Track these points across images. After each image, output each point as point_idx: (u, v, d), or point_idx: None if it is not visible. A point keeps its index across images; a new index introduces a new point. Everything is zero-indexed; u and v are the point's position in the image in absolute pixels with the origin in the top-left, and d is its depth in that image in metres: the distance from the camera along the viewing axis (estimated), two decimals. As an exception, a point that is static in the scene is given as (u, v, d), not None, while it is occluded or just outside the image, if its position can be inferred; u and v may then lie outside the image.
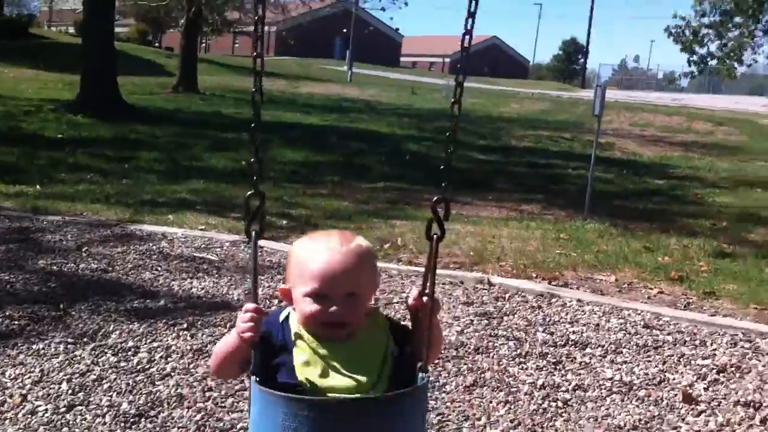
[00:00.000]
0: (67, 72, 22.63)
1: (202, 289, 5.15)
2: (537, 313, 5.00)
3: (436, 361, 3.95)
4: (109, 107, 15.56)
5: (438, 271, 6.08)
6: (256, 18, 2.07)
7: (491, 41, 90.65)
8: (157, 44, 52.22)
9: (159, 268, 5.56)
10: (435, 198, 2.01)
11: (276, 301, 4.69)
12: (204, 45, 51.48)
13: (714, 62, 17.83)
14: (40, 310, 4.54)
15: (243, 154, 12.73)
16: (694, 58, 17.79)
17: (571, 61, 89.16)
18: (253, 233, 2.01)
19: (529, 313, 5.00)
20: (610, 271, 6.09)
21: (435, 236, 2.02)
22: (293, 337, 1.94)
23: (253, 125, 2.08)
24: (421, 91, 31.59)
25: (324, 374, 1.88)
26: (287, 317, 1.99)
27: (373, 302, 2.07)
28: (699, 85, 59.17)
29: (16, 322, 4.33)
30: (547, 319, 4.89)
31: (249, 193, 2.01)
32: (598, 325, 4.83)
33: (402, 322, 2.05)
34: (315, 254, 1.96)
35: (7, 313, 4.44)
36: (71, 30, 48.17)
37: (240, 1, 31.00)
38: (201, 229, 6.90)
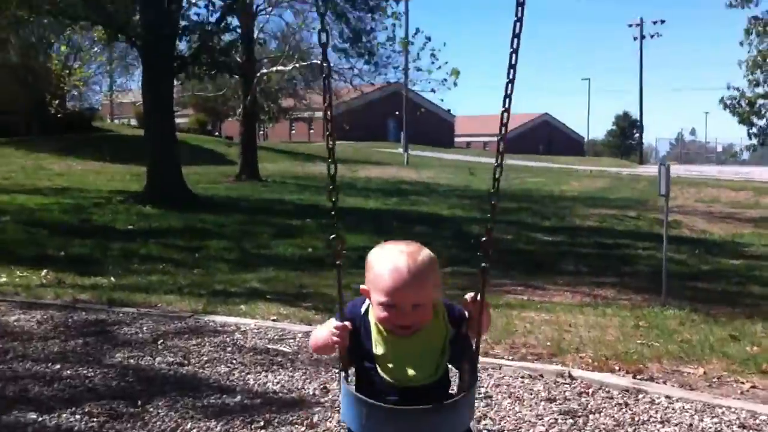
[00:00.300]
0: (132, 163, 23.37)
1: (278, 383, 5.08)
2: (624, 411, 4.78)
3: None
4: (175, 197, 15.94)
5: (515, 364, 5.92)
6: (325, 104, 2.49)
7: (543, 118, 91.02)
8: (216, 133, 53.70)
9: (234, 362, 5.52)
10: (483, 239, 2.46)
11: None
12: (262, 132, 52.75)
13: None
14: (119, 406, 4.52)
15: (308, 240, 12.84)
16: (754, 130, 17.49)
17: (626, 136, 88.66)
18: (338, 266, 2.49)
19: (615, 411, 4.78)
20: (697, 363, 5.82)
21: (483, 267, 2.44)
22: (372, 330, 2.39)
23: (330, 176, 2.45)
24: (479, 171, 31.64)
25: (396, 366, 2.37)
26: (367, 310, 2.43)
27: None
28: (762, 156, 58.14)
29: (95, 419, 4.30)
30: (636, 419, 4.66)
31: (332, 236, 2.48)
32: (691, 425, 4.58)
33: (458, 307, 2.46)
34: (386, 270, 2.33)
35: (86, 410, 4.43)
36: (133, 122, 49.95)
37: (293, 89, 31.82)
38: (273, 320, 6.87)
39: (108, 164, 25.79)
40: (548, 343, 6.27)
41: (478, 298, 2.39)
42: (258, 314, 7.10)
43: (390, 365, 2.37)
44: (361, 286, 2.44)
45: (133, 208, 15.26)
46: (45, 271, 9.02)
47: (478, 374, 2.51)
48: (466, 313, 2.43)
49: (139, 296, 7.74)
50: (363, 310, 2.44)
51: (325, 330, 2.43)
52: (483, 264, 2.42)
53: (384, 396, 2.34)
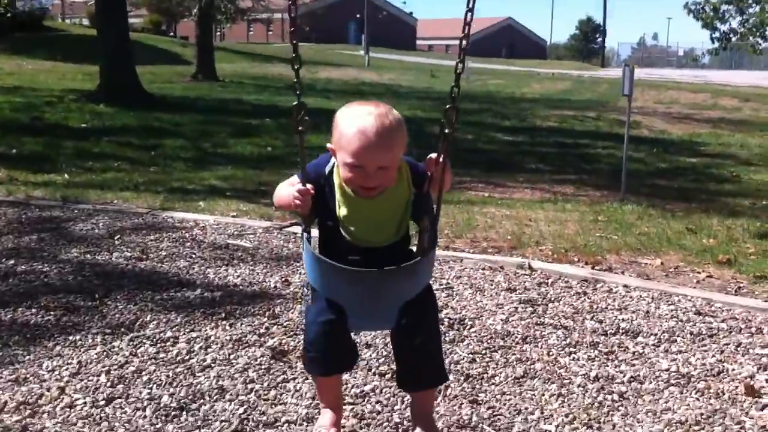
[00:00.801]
0: (84, 63, 22.67)
1: (238, 276, 5.03)
2: (583, 300, 4.84)
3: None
4: (130, 96, 15.54)
5: (476, 257, 5.88)
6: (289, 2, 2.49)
7: (507, 22, 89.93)
8: (171, 34, 52.14)
9: (193, 256, 5.45)
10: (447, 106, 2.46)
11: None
12: (219, 33, 51.31)
13: (736, 38, 17.49)
14: (76, 300, 4.44)
15: (267, 139, 12.65)
16: (716, 34, 17.44)
17: (588, 41, 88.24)
18: (300, 129, 2.49)
19: (574, 300, 4.84)
20: (655, 254, 5.90)
21: (447, 131, 2.45)
22: (336, 191, 2.44)
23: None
24: (441, 74, 31.29)
25: (358, 227, 2.42)
26: (332, 170, 2.47)
27: None
28: (721, 61, 58.24)
29: (51, 313, 4.22)
30: (594, 306, 4.73)
31: (294, 104, 2.47)
32: (648, 312, 4.65)
33: (421, 166, 2.51)
34: (354, 131, 2.34)
35: (42, 304, 4.34)
36: (85, 22, 48.30)
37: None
38: (233, 216, 6.78)
39: (60, 63, 24.98)
40: (509, 237, 6.29)
41: (441, 159, 2.44)
42: (217, 211, 7.00)
43: (352, 227, 2.41)
44: (328, 144, 2.46)
45: (86, 107, 14.84)
46: (-3, 168, 8.76)
47: (438, 242, 2.58)
48: (429, 174, 2.48)
49: (93, 193, 7.56)
50: (327, 170, 2.46)
51: (288, 190, 2.44)
52: (446, 129, 2.44)
53: (346, 256, 2.39)
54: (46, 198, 7.32)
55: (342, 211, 2.42)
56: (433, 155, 2.47)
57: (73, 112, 14.32)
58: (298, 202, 2.38)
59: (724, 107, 21.85)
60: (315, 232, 2.63)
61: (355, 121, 2.37)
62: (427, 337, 2.56)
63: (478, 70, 33.00)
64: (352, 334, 2.66)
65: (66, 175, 8.54)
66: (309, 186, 2.41)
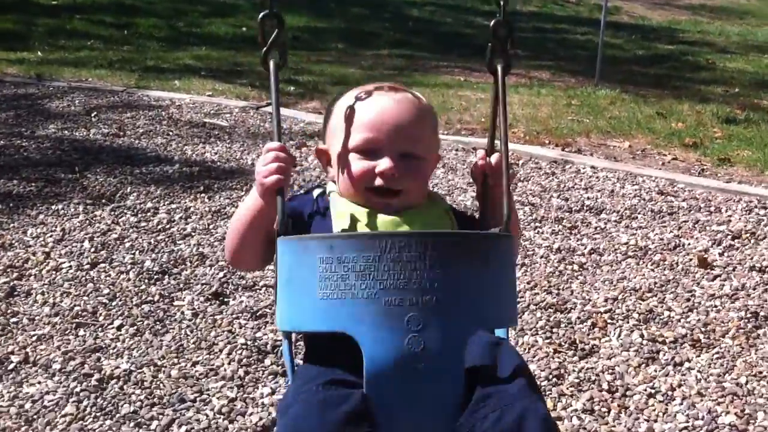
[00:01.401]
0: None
1: (216, 153, 5.12)
2: (551, 179, 5.00)
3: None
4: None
5: (449, 138, 6.01)
6: None
7: None
8: None
9: (170, 134, 5.51)
10: (493, 21, 1.71)
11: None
12: None
13: None
14: (56, 173, 4.53)
15: (242, 19, 12.43)
16: None
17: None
18: (271, 63, 1.68)
19: (543, 179, 5.00)
20: (624, 137, 6.04)
21: (500, 66, 1.71)
22: (335, 218, 1.62)
23: None
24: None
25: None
26: (322, 193, 1.70)
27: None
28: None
29: (33, 185, 4.32)
30: (562, 185, 4.89)
31: (263, 14, 1.67)
32: (612, 191, 4.83)
33: (467, 211, 1.86)
34: (366, 101, 1.65)
35: (23, 176, 4.44)
36: None
37: None
38: (208, 95, 6.80)
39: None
40: (482, 120, 6.38)
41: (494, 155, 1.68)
42: (193, 90, 7.00)
43: None
44: (318, 146, 1.79)
45: (56, -17, 14.41)
46: (-34, 45, 8.63)
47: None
48: (482, 174, 1.71)
49: (68, 71, 7.51)
50: (317, 193, 1.71)
51: (249, 195, 1.66)
52: (497, 63, 1.70)
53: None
54: (21, 75, 7.27)
55: (337, 227, 1.62)
56: (482, 151, 1.72)
57: (43, -11, 13.91)
58: (270, 167, 1.57)
59: (706, -6, 21.63)
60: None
61: (366, 92, 1.69)
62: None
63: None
64: None
65: (39, 53, 8.43)
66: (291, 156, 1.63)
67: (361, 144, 1.63)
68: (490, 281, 1.50)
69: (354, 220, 1.62)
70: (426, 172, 1.70)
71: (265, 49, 1.69)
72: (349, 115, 1.65)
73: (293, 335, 1.71)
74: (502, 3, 1.74)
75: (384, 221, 1.61)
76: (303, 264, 1.47)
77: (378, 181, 1.61)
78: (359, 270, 1.42)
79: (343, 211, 1.63)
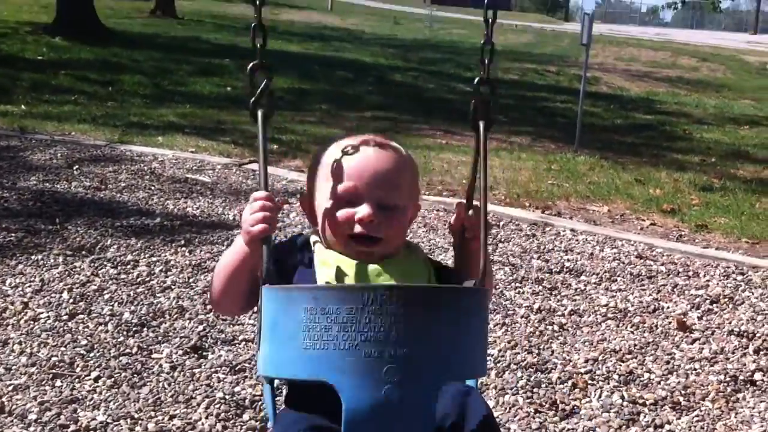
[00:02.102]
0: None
1: (197, 208, 5.12)
2: (531, 241, 5.04)
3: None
4: (87, 30, 15.22)
5: (430, 198, 6.05)
6: None
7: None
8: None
9: (152, 188, 5.52)
10: (477, 79, 1.76)
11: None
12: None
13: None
14: (36, 223, 4.51)
15: (227, 79, 12.57)
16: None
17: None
18: (260, 113, 1.69)
19: (523, 241, 5.03)
20: (603, 202, 6.12)
21: (481, 123, 1.73)
22: (315, 258, 1.69)
23: None
24: (404, 21, 31.13)
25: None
26: (306, 242, 1.75)
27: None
28: (683, 19, 58.80)
29: (13, 235, 4.30)
30: (542, 247, 4.93)
31: (252, 64, 1.70)
32: (592, 254, 4.87)
33: (442, 262, 1.88)
34: (349, 151, 1.69)
35: (3, 226, 4.41)
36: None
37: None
38: (191, 152, 6.83)
39: (13, -6, 24.23)
40: (463, 181, 6.41)
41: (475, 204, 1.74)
42: (176, 146, 7.03)
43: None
44: (301, 197, 1.84)
45: (43, 40, 14.53)
46: (-50, 97, 8.65)
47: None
48: (451, 264, 1.82)
49: (51, 125, 7.52)
50: (301, 242, 1.77)
51: (234, 244, 1.68)
52: (478, 120, 1.72)
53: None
54: (4, 128, 7.27)
55: (322, 276, 1.67)
56: (460, 205, 1.75)
57: (29, 44, 14.02)
58: (256, 215, 1.59)
59: (682, 66, 22.18)
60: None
61: (348, 142, 1.73)
62: None
63: (441, 18, 32.89)
64: None
65: (23, 106, 8.46)
66: (276, 200, 1.66)
67: (342, 193, 1.68)
68: (465, 334, 1.54)
69: (337, 269, 1.67)
70: (404, 221, 1.75)
71: (253, 99, 1.71)
72: (333, 166, 1.70)
73: (275, 381, 1.76)
74: (486, 62, 1.79)
75: (365, 270, 1.67)
76: (287, 313, 1.49)
77: (358, 228, 1.67)
78: (342, 321, 1.45)
79: (326, 259, 1.69)
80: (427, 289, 1.60)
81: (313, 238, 1.76)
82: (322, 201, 1.70)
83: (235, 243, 1.69)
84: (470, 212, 1.74)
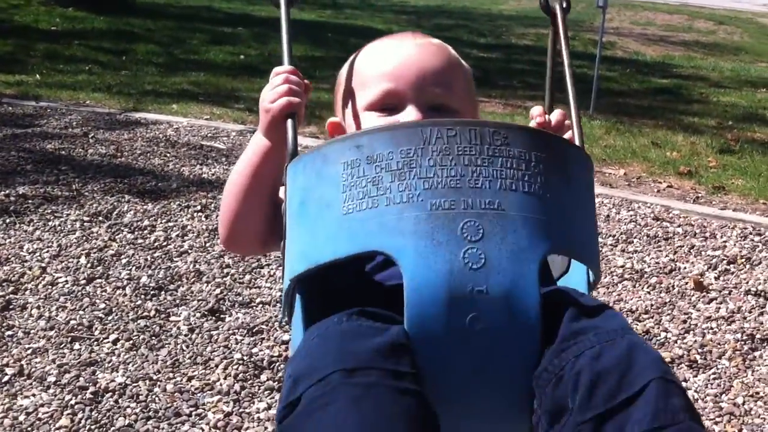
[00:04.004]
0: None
1: (213, 174, 5.13)
2: (547, 204, 5.01)
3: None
4: (100, 1, 15.19)
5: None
6: None
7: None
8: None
9: (168, 155, 5.52)
10: None
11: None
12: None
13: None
14: (53, 190, 4.53)
15: (240, 48, 12.53)
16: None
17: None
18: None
19: (539, 204, 5.01)
20: (619, 165, 6.08)
21: (560, 3, 1.53)
22: None
23: None
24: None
25: None
26: None
27: None
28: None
29: (30, 201, 4.32)
30: (558, 210, 4.90)
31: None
32: (608, 216, 4.85)
33: None
34: (384, 50, 1.42)
35: (20, 192, 4.43)
36: None
37: None
38: (206, 119, 6.82)
39: (25, -35, 24.19)
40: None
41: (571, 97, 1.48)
42: (190, 113, 7.02)
43: None
44: (330, 120, 1.57)
45: (55, 11, 14.51)
46: (-35, 67, 8.66)
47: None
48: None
49: (66, 94, 7.53)
50: None
51: (251, 142, 1.45)
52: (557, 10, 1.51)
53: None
54: (19, 96, 7.29)
55: None
56: (538, 108, 1.52)
57: (42, 15, 14.00)
58: (290, 86, 1.37)
59: (699, 30, 21.86)
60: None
61: (381, 43, 1.49)
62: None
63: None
64: None
65: (38, 76, 8.47)
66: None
67: (379, 99, 1.36)
68: (572, 199, 1.17)
69: None
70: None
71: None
72: (366, 68, 1.41)
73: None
74: None
75: None
76: (322, 178, 1.16)
77: None
78: (396, 168, 1.10)
79: None
80: (514, 127, 1.19)
81: None
82: (354, 114, 1.40)
83: (251, 142, 1.41)
84: (552, 117, 1.49)
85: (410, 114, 1.32)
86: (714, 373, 3.04)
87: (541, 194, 1.10)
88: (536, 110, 1.48)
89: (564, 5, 1.55)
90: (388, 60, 1.39)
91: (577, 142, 1.36)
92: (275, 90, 1.35)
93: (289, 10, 1.51)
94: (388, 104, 1.36)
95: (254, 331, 3.13)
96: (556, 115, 1.47)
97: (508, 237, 1.06)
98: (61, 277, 3.42)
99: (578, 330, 1.08)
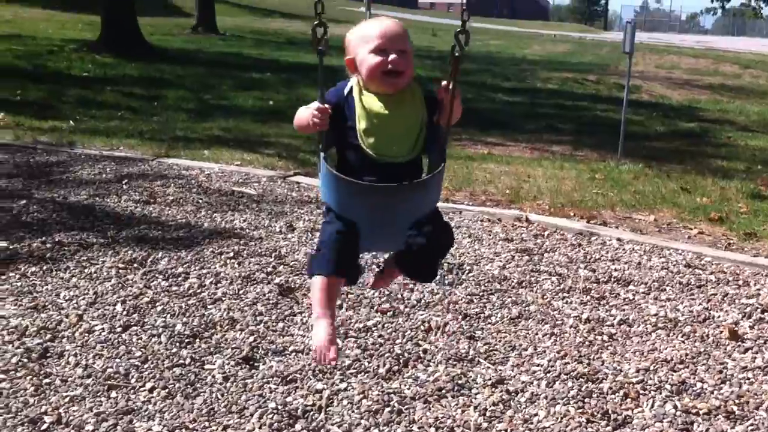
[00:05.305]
0: (83, 12, 22.52)
1: (244, 221, 5.18)
2: (577, 251, 5.01)
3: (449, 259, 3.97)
4: (131, 47, 15.51)
5: (475, 209, 6.03)
6: None
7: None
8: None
9: (200, 201, 5.59)
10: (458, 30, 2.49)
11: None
12: (222, -15, 50.68)
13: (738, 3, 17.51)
14: (89, 237, 4.60)
15: (269, 93, 12.71)
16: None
17: (591, 3, 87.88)
18: (320, 51, 2.50)
19: (569, 251, 5.01)
20: (649, 211, 6.06)
21: (457, 54, 2.50)
22: (356, 106, 2.50)
23: None
24: (442, 33, 31.16)
25: (378, 140, 2.48)
26: (350, 90, 2.55)
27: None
28: (723, 27, 58.09)
29: (66, 248, 4.39)
30: (588, 257, 4.90)
31: (314, 23, 2.52)
32: (639, 263, 4.83)
33: (433, 92, 2.54)
34: (373, 23, 2.56)
35: (57, 240, 4.51)
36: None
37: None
38: (237, 164, 6.92)
39: (58, 12, 24.78)
40: (507, 192, 6.44)
41: (450, 86, 2.50)
42: (222, 159, 7.12)
43: (372, 139, 2.49)
44: (346, 58, 2.58)
45: (88, 56, 14.83)
46: (2, 114, 8.85)
47: (445, 163, 2.57)
48: (440, 100, 2.53)
49: (99, 140, 7.68)
50: (346, 91, 2.56)
51: (308, 111, 2.52)
52: (455, 52, 2.50)
53: (363, 175, 2.48)
54: (53, 143, 7.43)
55: (362, 124, 2.49)
56: (444, 82, 2.52)
57: (75, 62, 14.31)
58: (316, 120, 2.44)
59: (724, 73, 21.85)
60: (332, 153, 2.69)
61: (370, 21, 2.63)
62: (435, 248, 2.63)
63: (478, 30, 32.88)
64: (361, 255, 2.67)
65: (71, 122, 8.64)
66: (327, 106, 2.48)
67: (376, 47, 2.49)
68: (428, 194, 2.58)
69: (368, 121, 2.49)
70: (412, 61, 2.53)
71: (315, 41, 2.53)
72: (367, 33, 2.52)
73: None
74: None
75: (385, 119, 2.49)
76: (331, 180, 2.52)
77: (390, 66, 2.47)
78: (360, 192, 2.48)
79: (361, 113, 2.50)
80: (400, 187, 2.49)
81: (355, 87, 2.54)
82: (364, 55, 2.49)
83: (307, 112, 2.50)
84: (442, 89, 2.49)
85: (392, 54, 2.47)
86: (752, 425, 3.00)
87: (414, 203, 2.54)
88: (442, 84, 2.52)
89: (457, 54, 2.50)
90: (379, 29, 2.52)
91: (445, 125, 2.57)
92: (316, 120, 2.47)
93: (322, 67, 2.56)
94: (380, 50, 2.47)
95: (288, 379, 3.14)
96: (443, 89, 2.52)
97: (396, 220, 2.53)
98: (97, 325, 3.47)
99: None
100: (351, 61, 2.57)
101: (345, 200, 2.51)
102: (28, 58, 14.42)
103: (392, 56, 2.48)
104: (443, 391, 3.18)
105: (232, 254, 4.47)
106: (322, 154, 2.52)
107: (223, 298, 3.84)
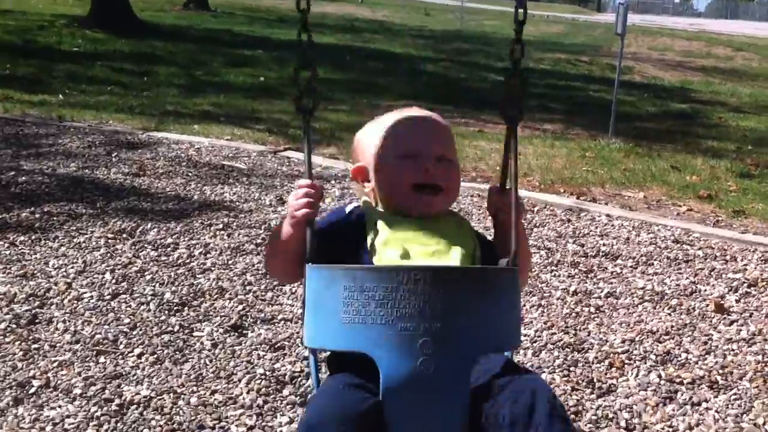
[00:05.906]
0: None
1: (234, 194, 5.18)
2: (567, 226, 5.03)
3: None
4: (122, 23, 15.43)
5: (465, 185, 6.04)
6: None
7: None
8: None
9: (189, 174, 5.59)
10: (508, 77, 1.92)
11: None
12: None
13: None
14: (78, 208, 4.60)
15: (260, 70, 12.67)
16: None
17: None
18: (303, 111, 1.86)
19: (558, 226, 5.03)
20: (638, 188, 6.09)
21: (513, 115, 1.89)
22: (367, 220, 1.80)
23: None
24: (434, 12, 31.08)
25: (405, 255, 1.71)
26: (356, 207, 1.88)
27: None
28: (716, 9, 58.13)
29: (55, 218, 4.38)
30: (577, 232, 4.92)
31: (297, 66, 1.85)
32: (628, 238, 4.85)
33: (485, 236, 1.95)
34: (400, 120, 1.88)
35: (45, 210, 4.50)
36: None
37: None
38: (227, 139, 6.90)
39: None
40: (497, 168, 6.42)
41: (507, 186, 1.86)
42: (212, 134, 7.10)
43: (400, 257, 1.73)
44: (353, 167, 1.96)
45: (78, 32, 14.75)
46: (-9, 87, 8.80)
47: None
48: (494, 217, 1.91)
49: (89, 114, 7.64)
50: (349, 209, 1.90)
51: (284, 221, 1.80)
52: (511, 112, 1.84)
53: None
54: (42, 116, 7.40)
55: (375, 239, 1.77)
56: (495, 186, 1.91)
57: (66, 37, 14.23)
58: (300, 201, 1.73)
59: (717, 56, 21.88)
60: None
61: (395, 115, 1.92)
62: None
63: (473, 9, 32.78)
64: None
65: (61, 96, 8.60)
66: (319, 183, 1.83)
67: (402, 151, 1.83)
68: (495, 309, 1.65)
69: (390, 231, 1.78)
70: (459, 174, 1.94)
71: (299, 96, 1.87)
72: (389, 132, 1.87)
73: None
74: (516, 55, 1.94)
75: (415, 227, 1.80)
76: (329, 290, 1.64)
77: (423, 178, 1.82)
78: (378, 299, 1.58)
79: (380, 224, 1.79)
80: (456, 270, 1.72)
81: (364, 204, 1.90)
82: (383, 161, 1.83)
83: (283, 227, 1.80)
84: (502, 196, 1.89)
85: (428, 161, 1.84)
86: (735, 394, 3.03)
87: (475, 315, 1.61)
88: (491, 190, 1.92)
89: (515, 114, 1.90)
90: (407, 126, 1.89)
91: (513, 224, 1.78)
92: (298, 201, 1.75)
93: (309, 128, 1.88)
94: (409, 155, 1.83)
95: (276, 347, 3.16)
96: (502, 199, 1.87)
97: (449, 349, 1.57)
98: (86, 293, 3.47)
99: (503, 385, 1.64)
100: (361, 170, 1.90)
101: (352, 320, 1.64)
102: (19, 33, 14.32)
103: (428, 161, 1.82)
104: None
105: (221, 226, 4.47)
106: (308, 264, 1.71)
107: (213, 268, 3.85)
